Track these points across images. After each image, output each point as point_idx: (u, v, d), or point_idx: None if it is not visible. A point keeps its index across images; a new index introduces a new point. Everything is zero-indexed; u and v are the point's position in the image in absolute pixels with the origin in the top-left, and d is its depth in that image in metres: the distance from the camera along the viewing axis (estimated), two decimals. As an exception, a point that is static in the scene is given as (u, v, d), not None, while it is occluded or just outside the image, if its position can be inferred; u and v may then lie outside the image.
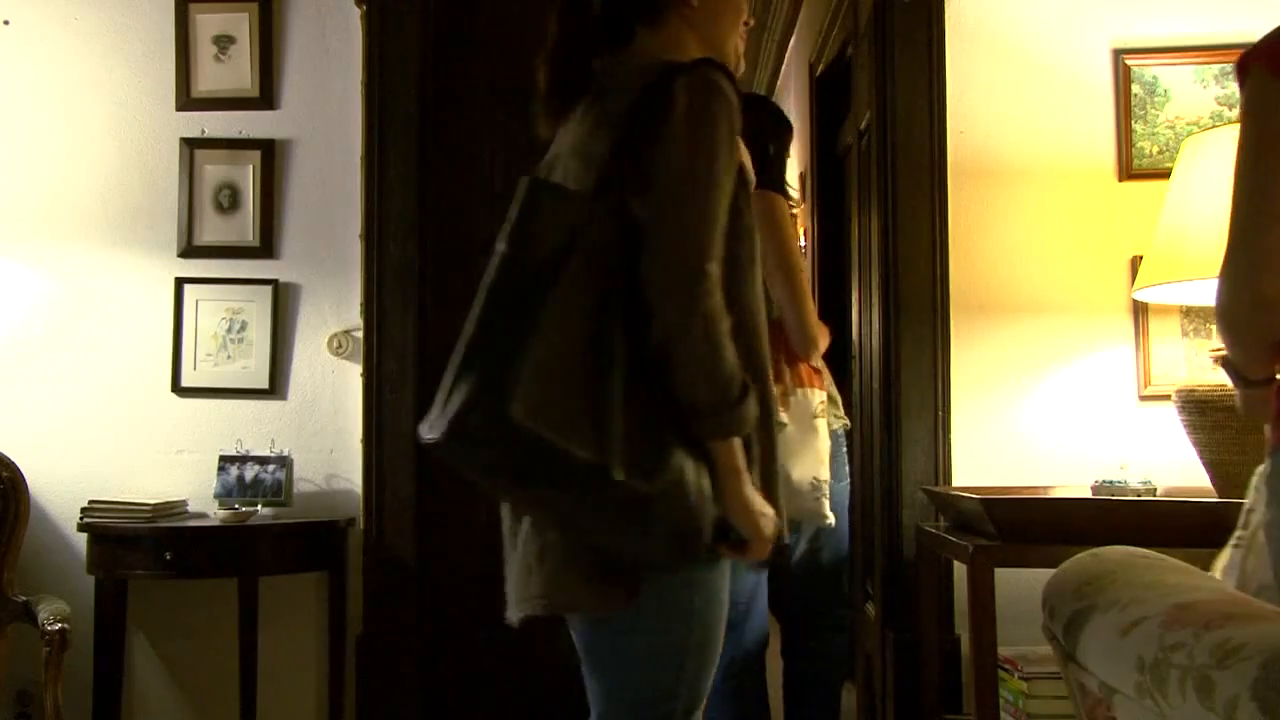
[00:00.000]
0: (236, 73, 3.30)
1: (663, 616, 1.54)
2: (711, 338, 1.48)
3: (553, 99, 1.64)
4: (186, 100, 3.31)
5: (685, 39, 1.66)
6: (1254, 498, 1.68)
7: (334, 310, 3.28)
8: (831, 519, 2.80)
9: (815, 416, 2.83)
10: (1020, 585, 2.74)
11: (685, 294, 1.47)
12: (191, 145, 3.30)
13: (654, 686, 1.57)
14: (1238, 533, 1.70)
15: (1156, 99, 3.04)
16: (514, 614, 1.61)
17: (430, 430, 1.47)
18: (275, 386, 3.26)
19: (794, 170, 6.08)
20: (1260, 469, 1.62)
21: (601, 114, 1.57)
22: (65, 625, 2.78)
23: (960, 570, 2.82)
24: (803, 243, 5.68)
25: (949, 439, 3.04)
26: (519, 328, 1.41)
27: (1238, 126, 1.54)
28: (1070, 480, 2.92)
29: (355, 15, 3.28)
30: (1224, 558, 1.70)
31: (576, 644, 1.65)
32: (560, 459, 1.41)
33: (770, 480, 1.60)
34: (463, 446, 1.45)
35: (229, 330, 3.27)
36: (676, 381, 1.48)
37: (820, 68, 4.91)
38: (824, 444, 2.81)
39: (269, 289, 3.27)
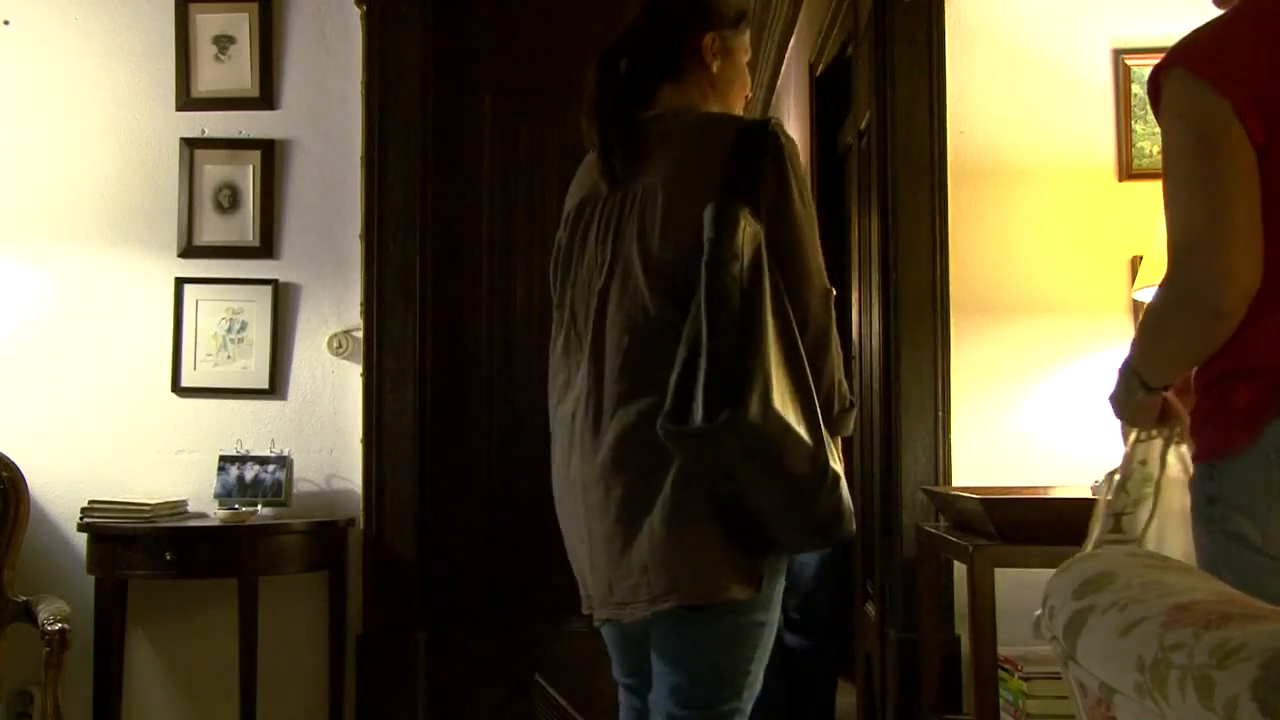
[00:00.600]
0: (236, 73, 3.30)
1: (756, 601, 1.72)
2: (838, 351, 1.78)
3: (616, 153, 1.81)
4: (186, 100, 3.31)
5: (707, 98, 1.89)
6: (1121, 500, 1.69)
7: (334, 310, 3.28)
8: None
9: None
10: (1020, 585, 2.74)
11: (826, 311, 1.76)
12: (191, 145, 3.30)
13: (735, 667, 1.73)
14: (1112, 536, 1.69)
15: (1156, 99, 3.04)
16: (642, 610, 1.71)
17: (697, 420, 1.60)
18: (275, 386, 3.27)
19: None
20: (1151, 472, 1.67)
21: (694, 155, 1.77)
22: (65, 625, 2.78)
23: (960, 570, 2.82)
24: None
25: (949, 439, 3.04)
26: (746, 333, 1.63)
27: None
28: (1070, 480, 2.92)
29: (355, 15, 3.28)
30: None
31: (663, 628, 1.75)
32: (789, 445, 1.63)
33: None
34: (733, 435, 1.59)
35: (229, 330, 3.27)
36: (820, 385, 1.73)
37: (820, 68, 4.91)
38: None
39: (269, 289, 3.27)
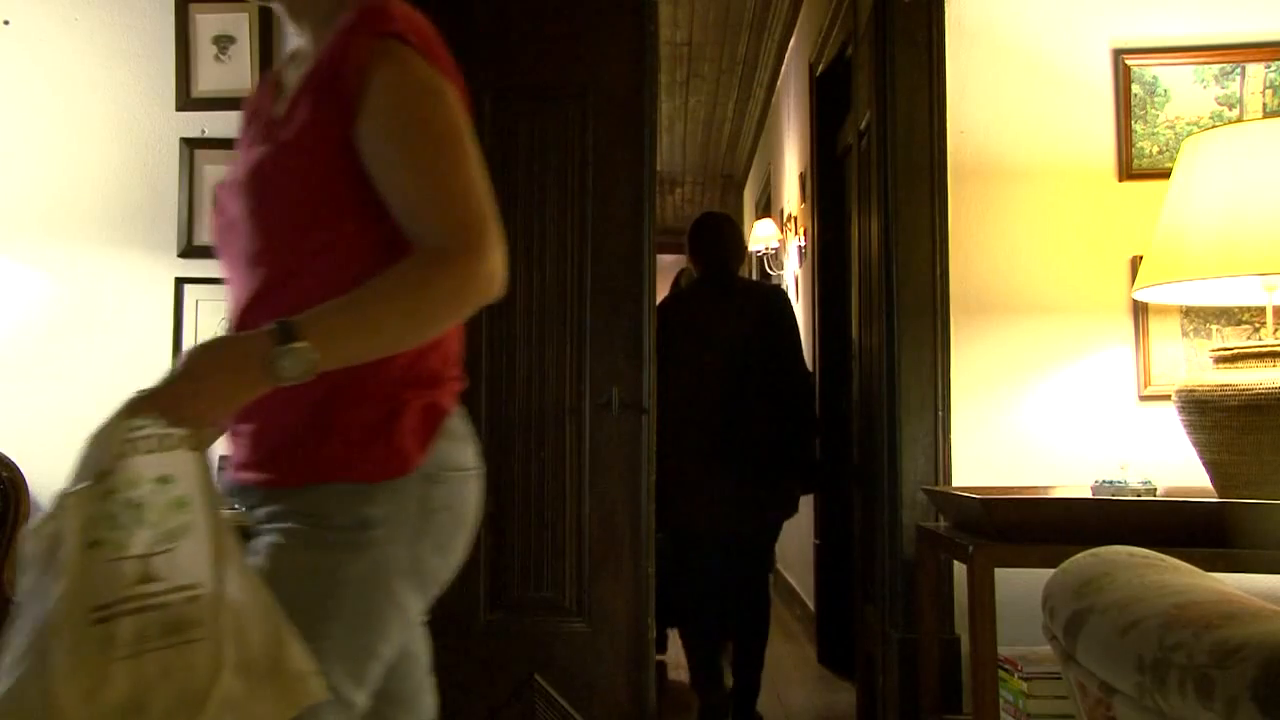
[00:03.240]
0: (236, 73, 3.30)
1: None
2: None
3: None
4: (186, 100, 3.31)
5: None
6: (141, 538, 1.19)
7: (334, 310, 3.27)
8: None
9: None
10: (1020, 585, 2.74)
11: (806, 394, 3.85)
12: (191, 145, 3.30)
13: None
14: (145, 590, 1.18)
15: (1156, 99, 3.04)
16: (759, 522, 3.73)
17: None
18: (275, 386, 3.26)
19: (792, 172, 6.09)
20: (185, 495, 1.23)
21: (749, 307, 3.77)
22: (65, 625, 2.77)
23: (960, 570, 2.82)
24: (802, 243, 5.69)
25: (949, 439, 3.04)
26: None
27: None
28: (1070, 480, 2.92)
29: (355, 15, 3.28)
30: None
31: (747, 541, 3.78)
32: None
33: None
34: None
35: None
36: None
37: (820, 68, 4.91)
38: None
39: (269, 289, 3.27)
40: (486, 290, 1.32)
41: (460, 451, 1.45)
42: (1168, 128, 3.03)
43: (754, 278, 7.31)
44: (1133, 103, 3.04)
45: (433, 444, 1.40)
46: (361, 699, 1.37)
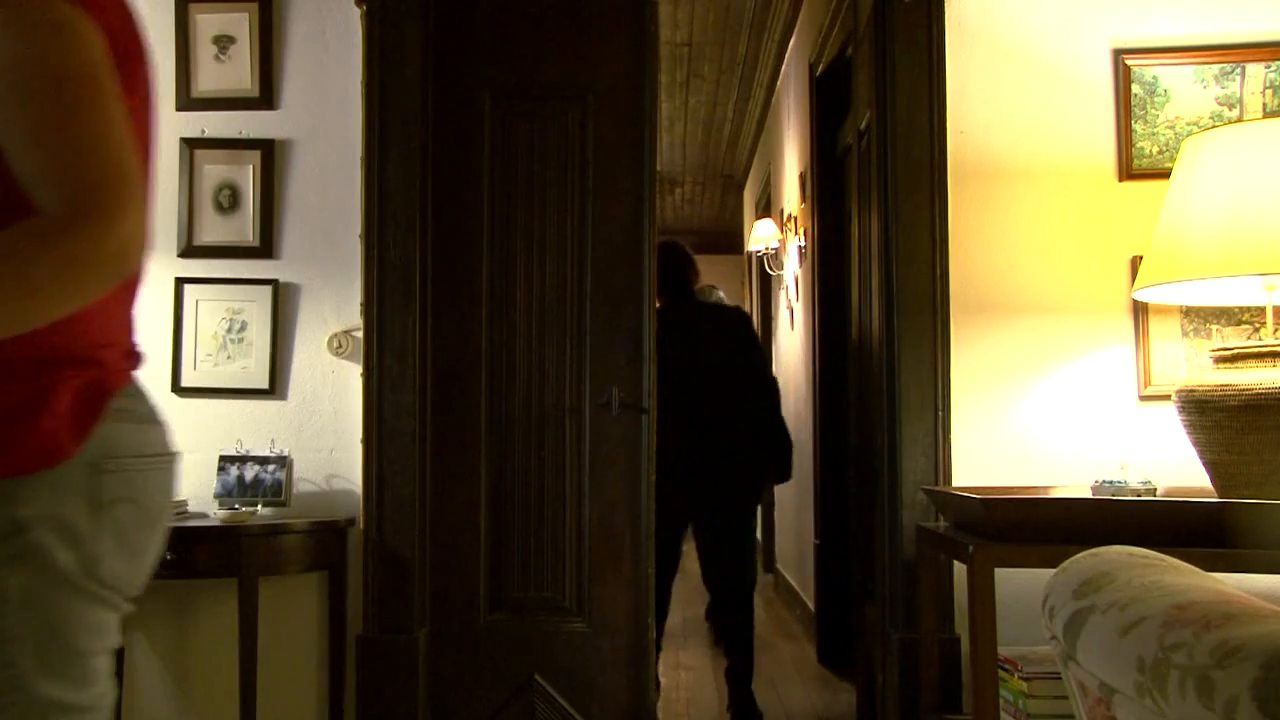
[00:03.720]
0: (236, 73, 3.30)
1: None
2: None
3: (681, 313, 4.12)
4: (186, 100, 3.31)
5: None
6: None
7: (334, 310, 3.28)
8: None
9: None
10: (1020, 585, 2.74)
11: (777, 396, 4.26)
12: (191, 145, 3.30)
13: None
14: None
15: (1156, 99, 3.04)
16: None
17: None
18: (275, 386, 3.27)
19: (792, 172, 6.09)
20: None
21: (723, 327, 4.14)
22: (64, 625, 2.76)
23: (960, 570, 2.82)
24: (802, 243, 5.69)
25: (949, 439, 3.04)
26: None
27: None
28: (1070, 480, 2.92)
29: (355, 15, 3.28)
30: None
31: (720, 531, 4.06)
32: None
33: None
34: None
35: (229, 330, 3.27)
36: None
37: (820, 68, 4.91)
38: None
39: (269, 289, 3.27)
40: (116, 264, 1.12)
41: (140, 436, 1.28)
42: (1168, 128, 3.03)
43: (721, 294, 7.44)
44: (1133, 103, 3.04)
45: (95, 428, 1.21)
46: (96, 692, 1.23)
